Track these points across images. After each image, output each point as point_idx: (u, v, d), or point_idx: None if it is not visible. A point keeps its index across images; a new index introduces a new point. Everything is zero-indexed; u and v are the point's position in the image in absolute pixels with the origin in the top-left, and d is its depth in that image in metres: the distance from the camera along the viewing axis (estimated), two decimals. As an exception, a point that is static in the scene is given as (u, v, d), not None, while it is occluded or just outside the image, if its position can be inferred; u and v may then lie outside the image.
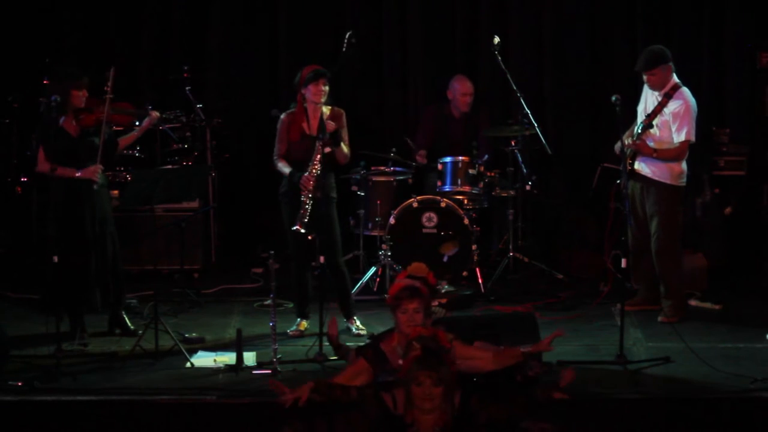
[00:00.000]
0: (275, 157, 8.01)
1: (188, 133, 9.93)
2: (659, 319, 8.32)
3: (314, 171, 7.80)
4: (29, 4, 10.29)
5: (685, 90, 8.25)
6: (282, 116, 8.04)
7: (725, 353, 7.54)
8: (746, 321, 8.34)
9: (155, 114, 8.17)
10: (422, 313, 6.21)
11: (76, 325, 7.85)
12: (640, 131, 8.25)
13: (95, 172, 7.73)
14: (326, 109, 7.95)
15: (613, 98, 7.71)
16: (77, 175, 7.70)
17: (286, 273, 8.43)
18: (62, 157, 7.61)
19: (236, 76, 10.60)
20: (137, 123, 8.14)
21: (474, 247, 9.11)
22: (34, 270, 8.86)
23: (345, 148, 7.99)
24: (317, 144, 7.81)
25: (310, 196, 7.78)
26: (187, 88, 9.72)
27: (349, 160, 8.18)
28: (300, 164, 7.88)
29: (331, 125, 7.89)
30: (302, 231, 7.77)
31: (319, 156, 7.80)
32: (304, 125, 7.97)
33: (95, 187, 7.71)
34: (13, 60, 10.18)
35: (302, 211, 7.78)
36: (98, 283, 7.83)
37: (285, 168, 7.92)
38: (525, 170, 9.42)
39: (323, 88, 7.89)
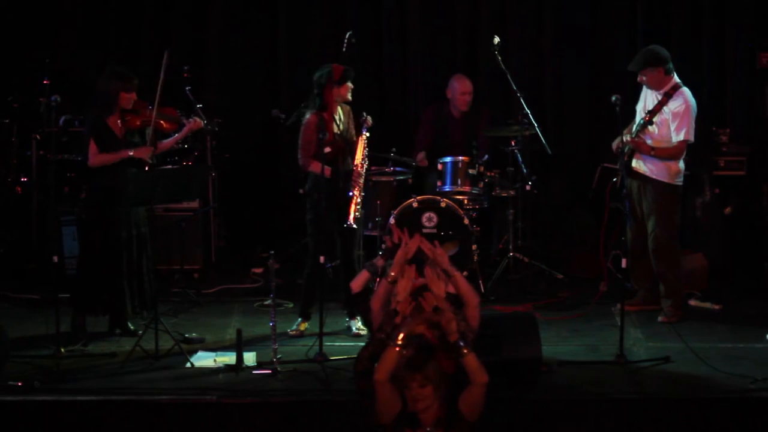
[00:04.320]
0: (304, 159, 7.94)
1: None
2: (659, 319, 8.32)
3: (364, 164, 7.95)
4: (29, 5, 10.29)
5: (686, 90, 8.25)
6: (307, 116, 7.99)
7: (725, 353, 7.54)
8: (746, 321, 8.34)
9: (198, 121, 8.22)
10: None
11: (80, 327, 7.86)
12: (638, 129, 8.25)
13: (148, 152, 7.80)
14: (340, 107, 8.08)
15: (613, 98, 7.71)
16: (130, 154, 7.75)
17: (286, 272, 8.43)
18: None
19: (236, 76, 10.60)
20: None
21: (474, 247, 9.09)
22: (64, 273, 8.89)
23: None
24: (361, 138, 7.96)
25: (360, 190, 7.89)
26: (187, 88, 9.72)
27: None
28: (333, 162, 7.92)
29: (369, 120, 8.06)
30: (354, 226, 7.87)
31: (365, 150, 7.94)
32: (333, 124, 8.00)
33: (147, 167, 7.78)
34: (13, 60, 10.18)
35: (353, 207, 7.85)
36: (130, 285, 7.85)
37: (323, 168, 7.64)
38: (525, 170, 9.41)
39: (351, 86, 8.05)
